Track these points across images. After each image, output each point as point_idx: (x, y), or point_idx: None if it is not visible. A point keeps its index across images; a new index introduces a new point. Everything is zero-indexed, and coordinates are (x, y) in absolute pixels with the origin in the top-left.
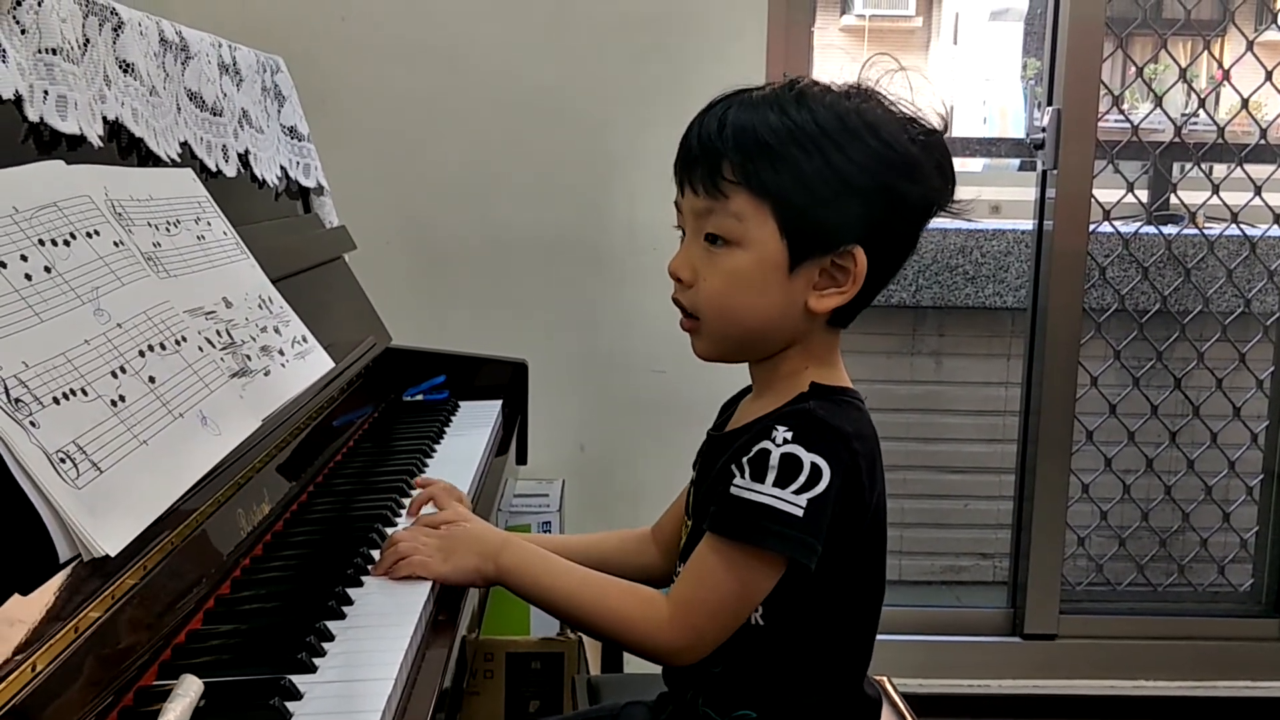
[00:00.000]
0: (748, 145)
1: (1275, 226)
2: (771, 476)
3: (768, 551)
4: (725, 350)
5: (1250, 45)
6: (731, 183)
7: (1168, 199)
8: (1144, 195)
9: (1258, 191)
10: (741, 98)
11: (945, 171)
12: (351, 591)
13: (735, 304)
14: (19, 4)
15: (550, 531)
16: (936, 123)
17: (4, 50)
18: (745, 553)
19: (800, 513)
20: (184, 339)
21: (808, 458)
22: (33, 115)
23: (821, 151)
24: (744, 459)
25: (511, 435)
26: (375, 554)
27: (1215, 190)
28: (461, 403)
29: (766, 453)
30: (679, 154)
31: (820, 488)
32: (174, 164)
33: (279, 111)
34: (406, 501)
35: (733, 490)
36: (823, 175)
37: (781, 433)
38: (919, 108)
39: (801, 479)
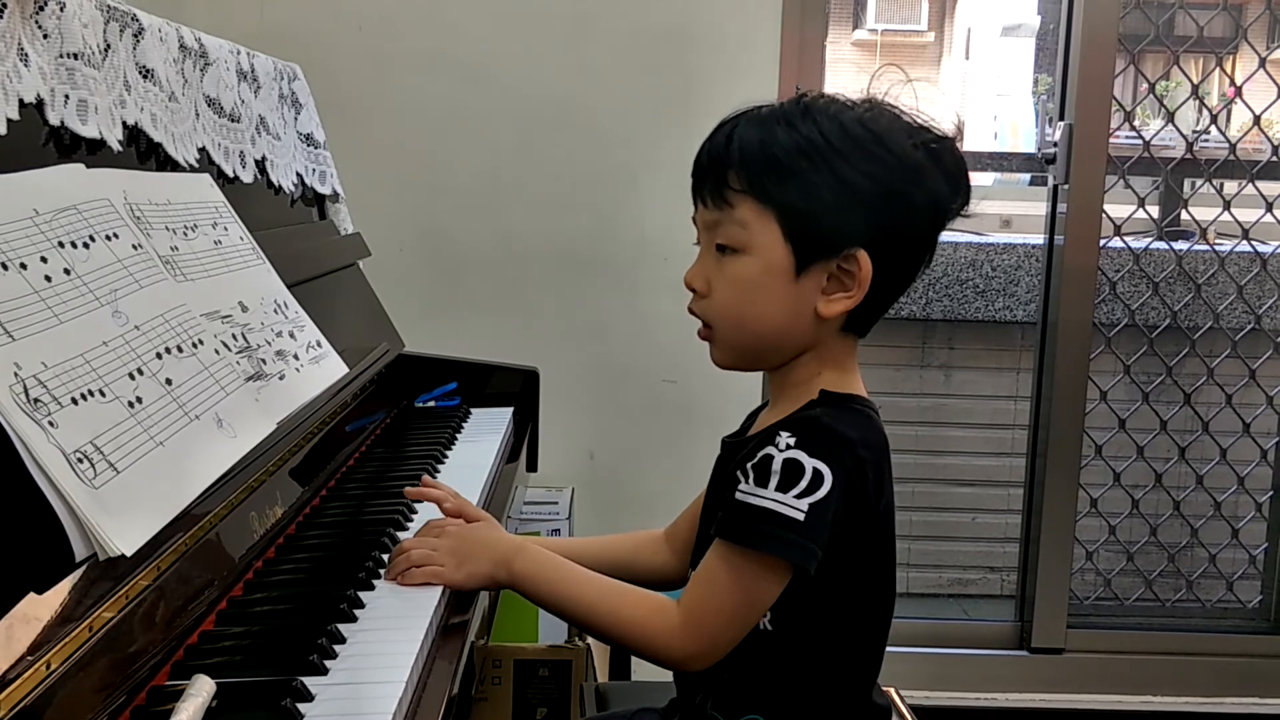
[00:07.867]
0: (752, 157)
1: None
2: (774, 481)
3: (770, 556)
4: (740, 359)
5: (1262, 62)
6: (736, 191)
7: (1179, 215)
8: (1155, 211)
9: (1269, 208)
10: (749, 114)
11: (956, 178)
12: (363, 595)
13: (745, 312)
14: (41, 9)
15: None
16: (949, 130)
17: (26, 54)
18: (749, 558)
19: (801, 517)
20: (200, 342)
21: (809, 463)
22: (54, 119)
23: (826, 161)
24: (749, 464)
25: (522, 442)
26: (387, 558)
27: (1226, 206)
28: (473, 409)
29: (770, 458)
30: (692, 170)
31: (821, 493)
32: (192, 169)
33: (296, 118)
34: (419, 506)
35: (738, 495)
36: (826, 183)
37: (785, 438)
38: (930, 116)
39: (803, 484)
